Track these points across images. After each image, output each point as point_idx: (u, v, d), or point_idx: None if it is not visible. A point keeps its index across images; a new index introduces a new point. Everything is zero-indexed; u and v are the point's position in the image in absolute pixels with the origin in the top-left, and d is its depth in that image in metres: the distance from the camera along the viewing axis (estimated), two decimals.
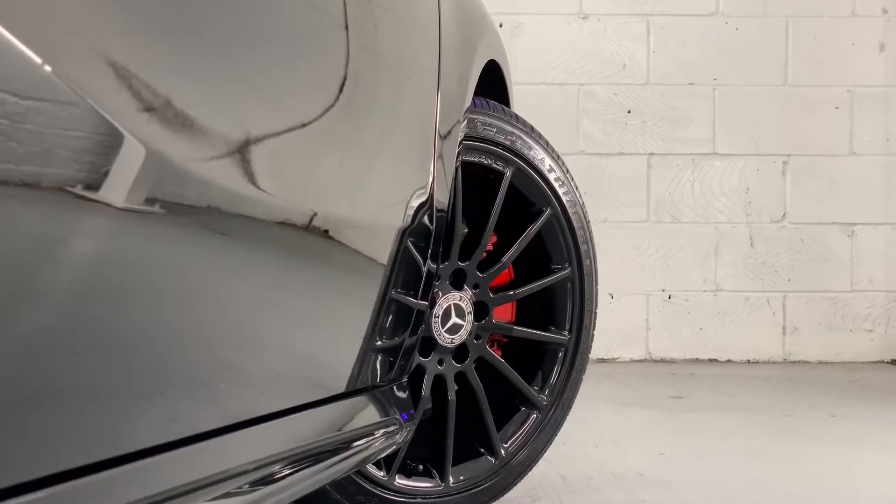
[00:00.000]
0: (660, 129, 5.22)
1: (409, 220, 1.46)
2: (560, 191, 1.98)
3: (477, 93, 1.90)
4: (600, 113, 5.21)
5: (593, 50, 5.22)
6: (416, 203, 1.50)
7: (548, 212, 1.97)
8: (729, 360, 5.20)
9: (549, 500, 2.08)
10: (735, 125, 5.22)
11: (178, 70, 0.85)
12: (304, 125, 1.11)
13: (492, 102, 1.95)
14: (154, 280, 0.83)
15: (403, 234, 1.45)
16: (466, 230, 1.96)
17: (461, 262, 1.87)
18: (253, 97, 0.99)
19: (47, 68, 0.67)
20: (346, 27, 1.21)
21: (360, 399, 1.41)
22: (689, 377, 4.45)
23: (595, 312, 2.07)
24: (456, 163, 1.69)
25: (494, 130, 1.90)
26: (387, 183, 1.39)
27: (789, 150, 5.23)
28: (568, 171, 2.04)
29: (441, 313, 1.83)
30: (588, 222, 2.05)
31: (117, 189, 0.74)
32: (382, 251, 1.39)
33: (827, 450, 2.66)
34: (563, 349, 2.03)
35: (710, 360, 5.19)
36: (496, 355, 1.94)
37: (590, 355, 2.07)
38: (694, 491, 2.18)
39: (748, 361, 5.20)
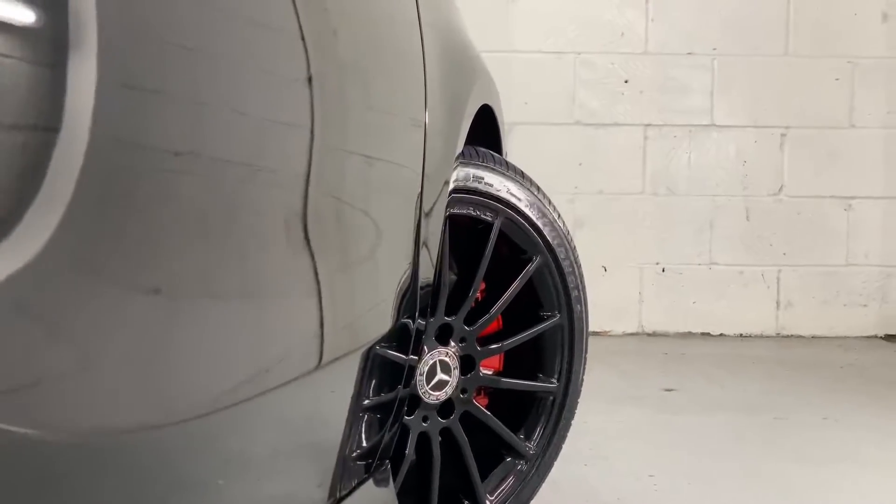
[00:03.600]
0: (657, 99, 5.13)
1: (384, 331, 1.40)
2: (550, 237, 1.93)
3: (467, 138, 1.83)
4: (597, 82, 5.11)
5: (591, 17, 5.10)
6: (391, 309, 1.42)
7: (537, 260, 1.92)
8: (722, 335, 5.18)
9: None
10: (734, 96, 5.13)
11: None
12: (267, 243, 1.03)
13: (481, 151, 1.88)
14: None
15: (378, 343, 1.39)
16: (455, 277, 1.90)
17: (448, 316, 1.82)
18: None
19: None
20: (312, 136, 1.13)
21: None
22: (682, 359, 4.42)
23: (585, 357, 2.03)
24: (442, 225, 1.63)
25: (483, 182, 1.83)
26: (357, 299, 1.32)
27: (788, 123, 5.14)
28: (560, 215, 1.98)
29: (426, 370, 1.78)
30: (579, 266, 1.99)
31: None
32: (349, 377, 1.31)
33: (823, 471, 2.63)
34: (551, 397, 1.99)
35: (703, 334, 5.17)
36: (482, 408, 1.89)
37: (585, 336, 2.01)
38: None
39: (741, 336, 5.18)
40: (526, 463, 1.97)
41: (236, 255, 0.93)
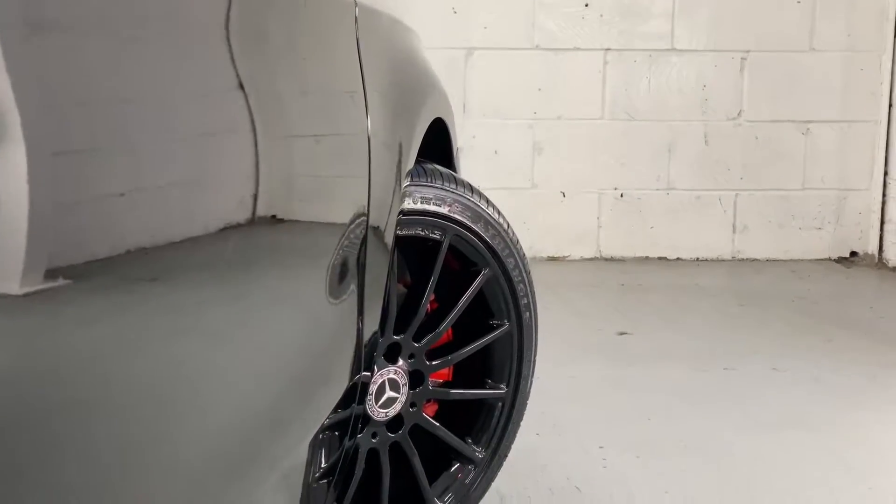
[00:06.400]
0: (618, 23, 5.08)
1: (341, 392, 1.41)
2: (499, 249, 1.93)
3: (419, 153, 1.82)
4: (557, 6, 5.04)
5: None
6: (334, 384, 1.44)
7: (487, 272, 1.92)
8: (679, 259, 5.23)
9: None
10: (695, 20, 5.09)
11: None
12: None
13: (428, 167, 1.86)
14: None
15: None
16: (406, 290, 1.91)
17: (397, 334, 1.83)
18: None
19: None
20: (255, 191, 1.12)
21: None
22: (638, 292, 4.46)
23: (534, 361, 2.05)
24: (390, 250, 1.63)
25: (432, 201, 1.82)
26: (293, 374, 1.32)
27: (748, 46, 5.12)
28: (509, 225, 1.98)
29: (375, 390, 1.80)
30: (528, 273, 2.00)
31: None
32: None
33: (768, 440, 2.69)
34: (500, 402, 2.01)
35: (660, 259, 5.22)
36: (431, 420, 1.92)
37: (535, 341, 2.04)
38: None
39: (697, 259, 5.23)
40: (475, 467, 2.00)
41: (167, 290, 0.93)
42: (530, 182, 5.12)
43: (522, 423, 2.06)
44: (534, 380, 2.08)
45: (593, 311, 4.09)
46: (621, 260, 5.19)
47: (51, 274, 0.72)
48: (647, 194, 5.19)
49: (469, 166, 5.00)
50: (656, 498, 2.32)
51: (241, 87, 1.04)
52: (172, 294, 0.91)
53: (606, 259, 5.20)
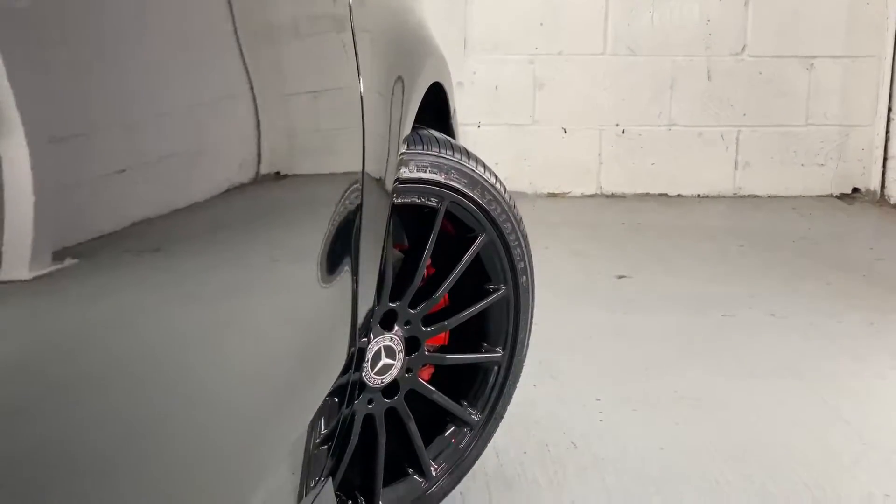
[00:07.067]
0: None
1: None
2: (495, 214, 1.92)
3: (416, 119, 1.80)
4: None
5: None
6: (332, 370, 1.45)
7: (483, 238, 1.92)
8: (679, 195, 5.21)
9: (479, 500, 2.13)
10: None
11: None
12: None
13: (425, 134, 1.85)
14: None
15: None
16: (402, 256, 1.91)
17: (393, 301, 1.83)
18: None
19: None
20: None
21: None
22: (638, 232, 4.46)
23: (531, 323, 2.06)
24: (387, 219, 1.63)
25: (428, 169, 1.81)
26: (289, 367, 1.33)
27: None
28: (506, 189, 1.96)
29: (371, 357, 1.80)
30: (525, 237, 1.99)
31: None
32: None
33: (764, 392, 2.70)
34: (496, 365, 2.02)
35: (661, 195, 5.20)
36: (427, 385, 1.92)
37: (531, 304, 2.04)
38: (622, 474, 2.26)
39: (699, 196, 5.21)
40: (471, 430, 2.02)
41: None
42: (531, 118, 5.09)
43: (523, 371, 2.07)
44: (533, 324, 2.08)
45: (593, 252, 4.09)
46: (622, 197, 5.18)
47: (58, 256, 0.74)
48: (648, 131, 5.16)
49: (470, 102, 4.96)
50: (650, 452, 2.34)
51: (228, 47, 1.04)
52: (175, 264, 0.93)
53: (607, 196, 5.18)
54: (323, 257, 1.35)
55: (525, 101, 5.07)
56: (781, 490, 2.18)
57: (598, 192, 5.20)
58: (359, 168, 1.47)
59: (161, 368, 0.93)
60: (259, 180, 1.11)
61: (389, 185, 1.64)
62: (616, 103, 5.12)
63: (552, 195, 5.16)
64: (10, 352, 0.71)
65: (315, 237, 1.32)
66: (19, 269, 0.70)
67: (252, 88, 1.09)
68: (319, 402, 1.47)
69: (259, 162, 1.11)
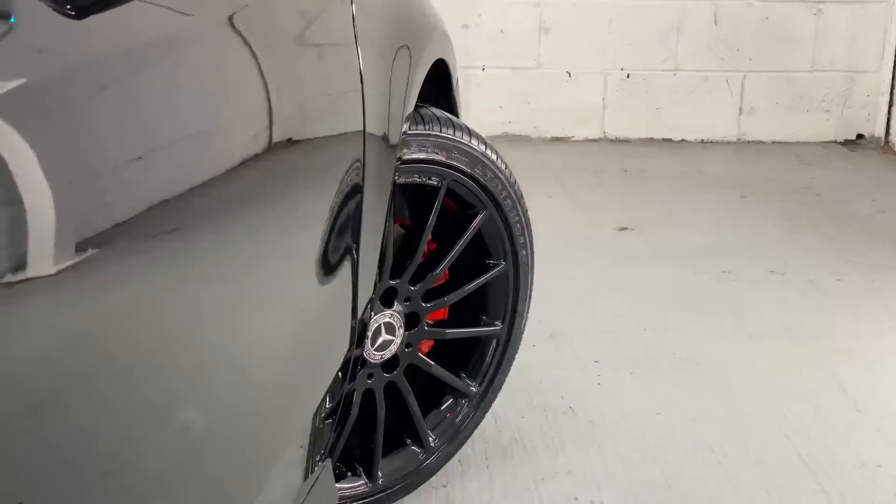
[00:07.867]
0: None
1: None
2: (496, 191, 1.93)
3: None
4: None
5: None
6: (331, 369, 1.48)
7: (484, 214, 1.93)
8: (683, 140, 5.20)
9: (477, 467, 2.17)
10: None
11: None
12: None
13: (426, 114, 1.85)
14: None
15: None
16: (403, 232, 1.92)
17: (393, 278, 1.84)
18: None
19: None
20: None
21: None
22: (641, 180, 4.45)
23: (530, 297, 2.07)
24: (388, 199, 1.64)
25: (429, 149, 1.81)
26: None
27: None
28: (507, 165, 1.97)
29: (371, 333, 1.83)
30: (525, 213, 2.00)
31: None
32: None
33: (762, 354, 2.72)
34: (495, 339, 2.04)
35: (665, 140, 5.18)
36: (426, 359, 1.95)
37: (530, 279, 2.07)
38: (619, 441, 2.30)
39: (703, 141, 5.20)
40: (469, 401, 2.05)
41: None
42: (536, 62, 5.05)
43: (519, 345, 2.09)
44: (534, 279, 2.09)
45: (595, 202, 4.09)
46: (626, 141, 5.16)
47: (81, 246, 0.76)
48: (653, 75, 5.12)
49: (475, 46, 4.93)
50: (647, 418, 2.37)
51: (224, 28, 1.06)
52: (183, 245, 0.94)
53: (611, 140, 5.17)
54: (324, 238, 1.35)
55: (530, 45, 5.03)
56: (775, 459, 2.22)
57: (602, 136, 5.18)
58: (360, 147, 1.47)
59: (178, 354, 0.97)
60: (261, 157, 1.12)
61: (391, 164, 1.63)
62: (621, 47, 5.07)
63: (556, 139, 5.14)
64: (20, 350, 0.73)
65: (317, 217, 1.33)
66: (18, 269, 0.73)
67: (259, 66, 1.11)
68: (330, 379, 1.49)
69: (258, 140, 1.12)
